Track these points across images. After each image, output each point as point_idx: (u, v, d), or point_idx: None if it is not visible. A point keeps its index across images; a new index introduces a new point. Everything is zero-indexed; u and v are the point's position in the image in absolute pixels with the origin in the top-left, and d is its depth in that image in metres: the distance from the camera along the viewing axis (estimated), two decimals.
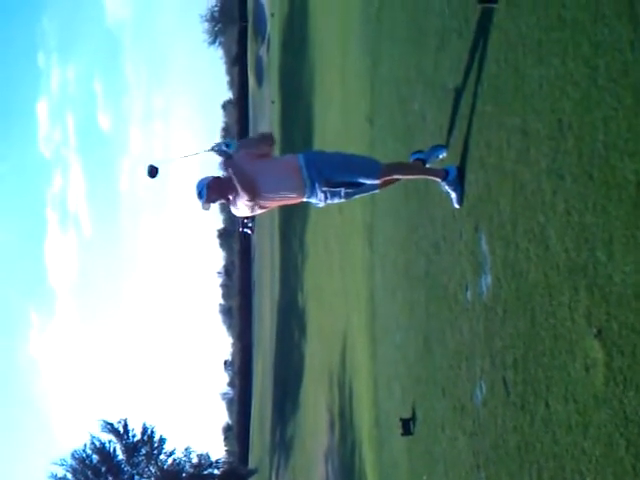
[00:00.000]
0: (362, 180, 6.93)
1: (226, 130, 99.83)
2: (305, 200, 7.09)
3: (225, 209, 7.21)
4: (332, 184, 6.89)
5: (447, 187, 6.88)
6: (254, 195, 6.78)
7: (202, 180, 6.91)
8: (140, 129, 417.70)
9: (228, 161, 6.76)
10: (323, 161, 6.94)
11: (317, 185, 6.85)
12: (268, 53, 61.05)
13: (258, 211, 7.12)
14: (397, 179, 7.36)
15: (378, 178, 6.93)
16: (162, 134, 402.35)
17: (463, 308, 6.66)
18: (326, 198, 6.99)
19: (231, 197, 6.94)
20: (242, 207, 7.00)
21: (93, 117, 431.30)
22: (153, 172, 6.94)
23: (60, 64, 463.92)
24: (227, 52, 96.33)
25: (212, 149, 6.90)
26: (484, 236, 6.11)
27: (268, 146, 6.98)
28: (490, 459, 5.82)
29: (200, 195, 6.84)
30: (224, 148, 6.77)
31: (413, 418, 8.74)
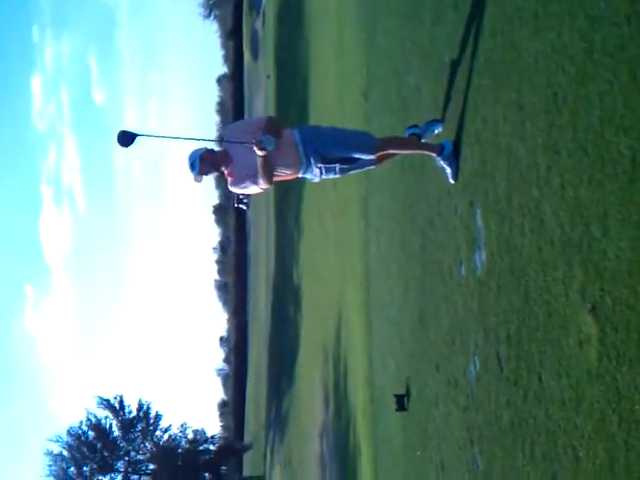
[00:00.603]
0: (357, 155, 6.89)
1: (221, 104, 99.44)
2: (300, 176, 7.05)
3: (220, 184, 7.15)
4: (328, 160, 6.86)
5: (442, 162, 6.84)
6: (270, 183, 6.79)
7: (194, 152, 6.81)
8: (135, 104, 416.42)
9: (265, 158, 6.62)
10: (319, 137, 6.88)
11: (313, 161, 6.82)
12: (264, 27, 60.70)
13: (254, 188, 7.04)
14: (393, 154, 7.32)
15: (373, 153, 6.89)
16: (157, 109, 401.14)
17: (457, 283, 6.65)
18: (321, 174, 6.96)
19: (225, 170, 6.88)
20: (238, 181, 6.93)
21: (88, 92, 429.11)
22: (126, 140, 6.26)
23: (54, 38, 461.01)
24: (222, 25, 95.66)
25: (256, 143, 6.62)
26: (479, 211, 6.09)
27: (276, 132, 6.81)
28: (483, 434, 5.84)
29: (192, 167, 6.74)
30: (267, 147, 6.56)
31: (407, 394, 8.77)
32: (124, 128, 6.37)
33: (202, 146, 6.84)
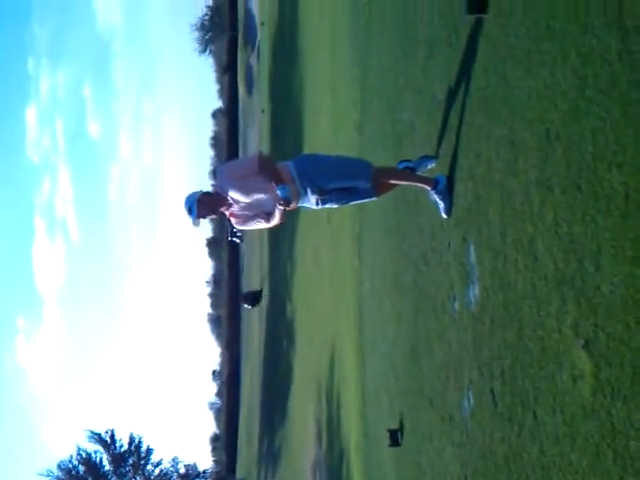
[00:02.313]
0: (354, 184, 6.92)
1: (215, 139, 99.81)
2: (299, 205, 7.09)
3: (214, 218, 7.16)
4: (325, 192, 6.89)
5: (436, 196, 6.87)
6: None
7: (191, 195, 6.80)
8: (130, 136, 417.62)
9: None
10: (315, 168, 6.91)
11: (310, 193, 6.84)
12: (258, 62, 61.12)
13: (258, 223, 7.09)
14: (393, 185, 7.32)
15: (370, 180, 6.90)
16: (152, 142, 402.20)
17: (451, 318, 6.64)
18: (318, 204, 6.99)
19: (225, 211, 6.91)
20: (246, 221, 7.01)
21: (82, 123, 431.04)
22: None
23: (50, 69, 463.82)
24: (217, 61, 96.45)
25: (283, 203, 6.82)
26: (472, 246, 6.11)
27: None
28: (478, 470, 5.80)
29: (190, 211, 6.73)
30: (289, 197, 6.79)
31: (401, 429, 8.72)
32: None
33: (197, 189, 6.88)
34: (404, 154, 8.30)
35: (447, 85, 7.01)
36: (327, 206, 7.10)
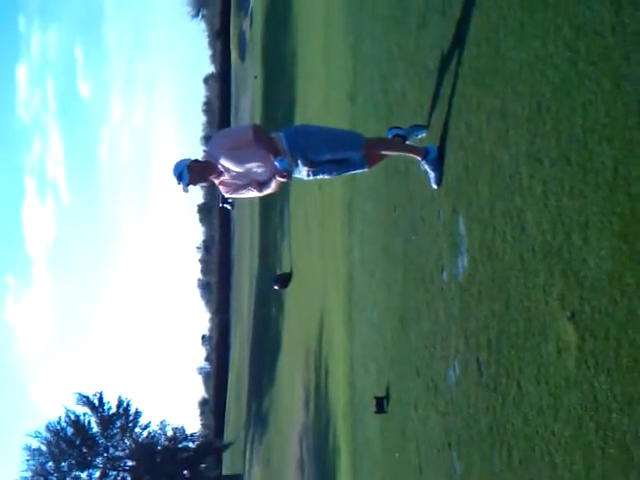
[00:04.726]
0: (346, 155, 6.91)
1: (208, 104, 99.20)
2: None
3: (206, 185, 7.15)
4: (316, 163, 6.88)
5: (426, 166, 6.87)
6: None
7: (180, 162, 6.76)
8: (121, 98, 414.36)
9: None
10: (306, 140, 6.89)
11: (301, 164, 6.84)
12: (251, 28, 60.58)
13: (249, 192, 7.09)
14: (384, 156, 7.32)
15: (361, 151, 6.89)
16: (143, 105, 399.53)
17: (439, 288, 6.68)
18: (309, 175, 6.98)
19: (215, 180, 6.89)
20: (237, 190, 7.00)
21: (73, 84, 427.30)
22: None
23: (41, 28, 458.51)
24: (210, 25, 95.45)
25: (286, 176, 6.80)
26: (462, 217, 6.12)
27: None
28: (462, 438, 5.86)
29: (181, 177, 6.69)
30: (289, 169, 6.77)
31: (387, 397, 8.79)
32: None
33: (186, 157, 6.85)
34: (396, 123, 8.27)
35: (439, 54, 6.98)
36: (319, 177, 7.09)
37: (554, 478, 4.12)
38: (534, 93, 4.70)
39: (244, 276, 56.36)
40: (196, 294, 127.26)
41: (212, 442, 54.90)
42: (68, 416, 45.58)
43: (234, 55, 79.40)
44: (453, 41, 6.61)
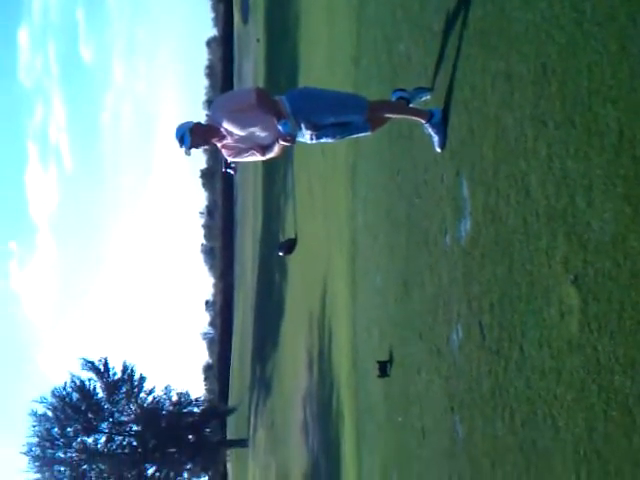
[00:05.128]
0: (349, 118, 6.86)
1: (210, 68, 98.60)
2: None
3: (208, 149, 7.09)
4: (320, 127, 6.83)
5: (430, 129, 6.82)
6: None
7: (182, 125, 6.71)
8: (123, 62, 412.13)
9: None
10: (309, 103, 6.83)
11: (304, 129, 6.79)
12: None
13: (252, 156, 7.05)
14: (387, 119, 7.27)
15: (365, 114, 6.84)
16: (145, 69, 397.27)
17: (442, 252, 6.66)
18: (312, 139, 6.93)
19: (217, 143, 6.85)
20: (239, 153, 6.96)
21: (75, 47, 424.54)
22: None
23: None
24: None
25: (290, 140, 6.74)
26: (465, 181, 6.09)
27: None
28: (464, 402, 5.89)
29: (183, 140, 6.64)
30: (293, 133, 6.70)
31: (390, 361, 8.82)
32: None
33: (188, 120, 6.80)
34: (400, 86, 8.21)
35: (444, 16, 6.90)
36: (322, 141, 7.05)
37: (556, 441, 4.14)
38: (539, 54, 4.65)
39: (247, 241, 56.41)
40: (200, 259, 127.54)
41: (217, 407, 55.23)
42: (74, 382, 45.87)
43: (237, 18, 78.78)
44: (458, 2, 6.53)
